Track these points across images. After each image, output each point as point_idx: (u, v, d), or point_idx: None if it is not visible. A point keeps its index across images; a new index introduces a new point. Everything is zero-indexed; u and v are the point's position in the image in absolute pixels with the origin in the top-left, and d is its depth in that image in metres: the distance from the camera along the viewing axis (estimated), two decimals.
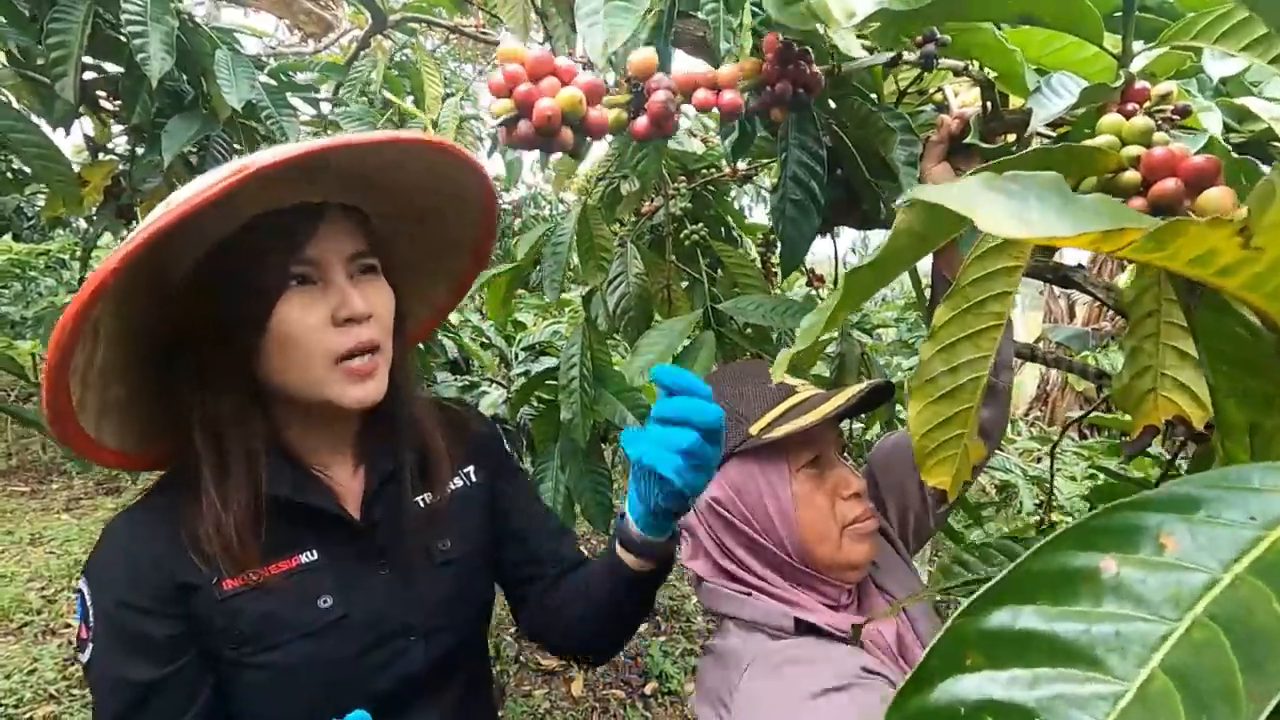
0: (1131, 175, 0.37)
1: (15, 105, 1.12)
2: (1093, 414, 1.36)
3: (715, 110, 0.47)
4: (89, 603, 0.62)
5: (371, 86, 1.54)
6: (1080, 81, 0.53)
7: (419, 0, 1.68)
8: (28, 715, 2.32)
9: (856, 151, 0.85)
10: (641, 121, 0.44)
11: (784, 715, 0.60)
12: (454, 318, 2.16)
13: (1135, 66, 0.52)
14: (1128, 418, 0.47)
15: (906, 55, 0.69)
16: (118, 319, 0.62)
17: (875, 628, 0.72)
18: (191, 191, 0.55)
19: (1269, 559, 0.18)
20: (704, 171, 1.34)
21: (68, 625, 2.83)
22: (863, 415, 1.60)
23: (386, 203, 0.72)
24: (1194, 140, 0.51)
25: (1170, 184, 0.34)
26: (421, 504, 0.72)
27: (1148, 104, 0.49)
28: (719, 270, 1.22)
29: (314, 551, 0.66)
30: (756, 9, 0.69)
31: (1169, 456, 0.83)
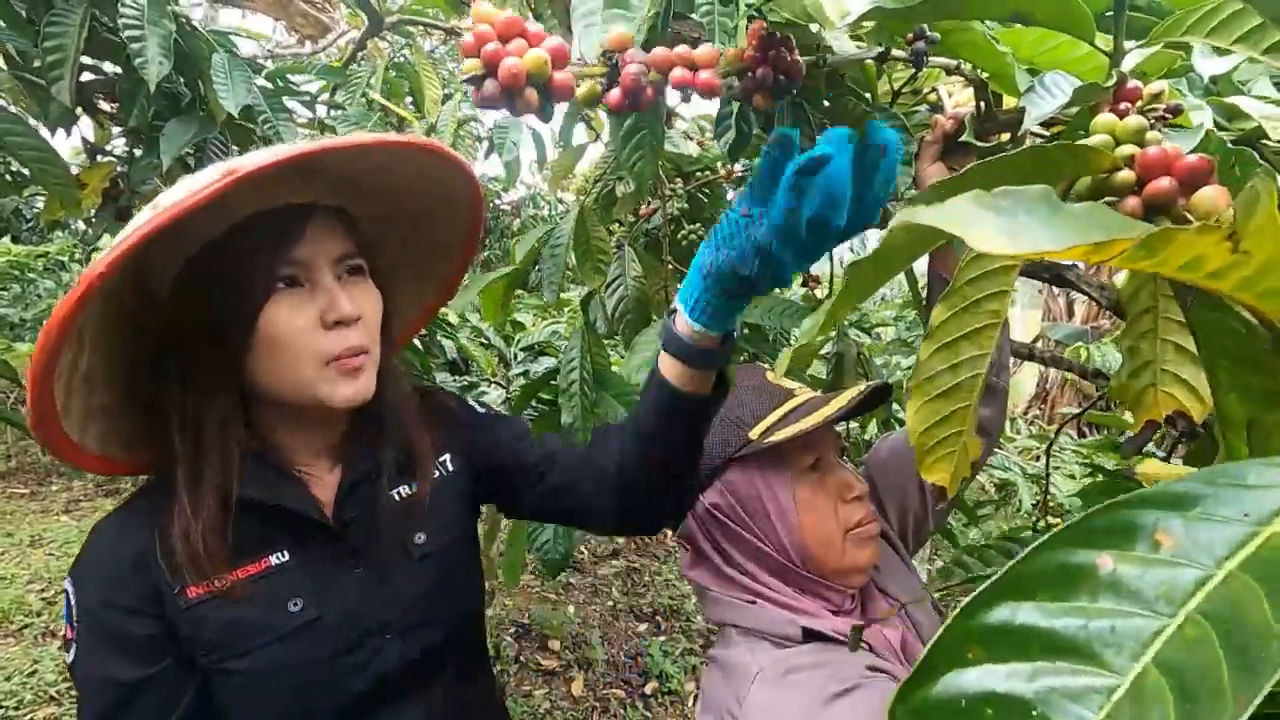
0: (1126, 174, 0.37)
1: (12, 108, 1.12)
2: (1090, 412, 1.36)
3: (692, 89, 0.46)
4: (73, 603, 0.62)
5: (371, 90, 1.54)
6: (1073, 80, 0.53)
7: (415, 2, 1.68)
8: (28, 717, 2.32)
9: None
10: (614, 94, 0.45)
11: None
12: (453, 318, 2.16)
13: (1127, 65, 0.52)
14: (1127, 416, 0.47)
15: (896, 52, 0.69)
16: (102, 322, 0.62)
17: (879, 630, 0.72)
18: (180, 194, 0.55)
19: (1261, 555, 0.19)
20: (700, 173, 1.34)
21: None
22: (859, 415, 1.60)
23: (375, 205, 0.72)
24: (1190, 135, 0.52)
25: (1164, 183, 0.35)
26: (398, 497, 0.72)
27: (1140, 103, 0.50)
28: None
29: (285, 552, 0.65)
30: (750, 8, 0.69)
31: (1164, 455, 0.83)
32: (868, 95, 0.78)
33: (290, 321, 0.62)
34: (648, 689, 2.66)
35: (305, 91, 1.60)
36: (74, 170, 1.24)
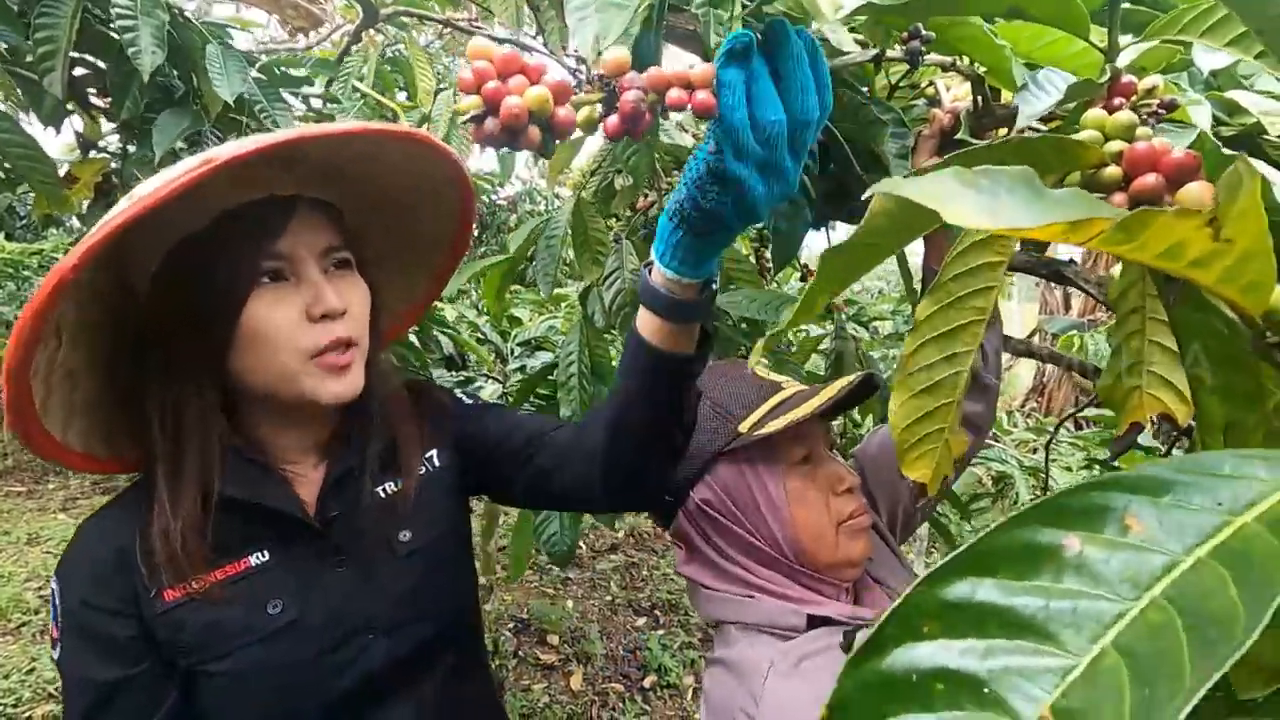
0: (1113, 170, 0.36)
1: (1, 105, 1.11)
2: (1088, 409, 1.36)
3: (688, 109, 0.46)
4: (58, 601, 0.62)
5: (360, 82, 1.53)
6: (1067, 77, 0.53)
7: None
8: (26, 715, 2.32)
9: (848, 145, 0.85)
10: (613, 120, 0.45)
11: (814, 713, 0.60)
12: (449, 313, 2.16)
13: (1124, 60, 0.52)
14: None
15: (891, 52, 0.69)
16: (83, 316, 0.61)
17: (878, 616, 0.73)
18: (157, 184, 0.53)
19: (1232, 545, 0.18)
20: None
21: None
22: (856, 410, 1.60)
23: (362, 196, 0.70)
24: (1183, 135, 0.51)
25: (1151, 179, 0.34)
26: (383, 494, 0.71)
27: (1135, 98, 0.50)
28: None
29: (265, 552, 0.65)
30: (746, 2, 0.69)
31: (1163, 451, 0.83)
32: (865, 89, 0.78)
33: (273, 316, 0.60)
34: (646, 683, 2.67)
35: (303, 79, 1.59)
36: (67, 166, 1.23)
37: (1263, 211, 0.21)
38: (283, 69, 1.42)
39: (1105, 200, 0.37)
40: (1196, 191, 0.32)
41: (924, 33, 0.67)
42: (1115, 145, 0.39)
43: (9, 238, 4.27)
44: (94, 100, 1.29)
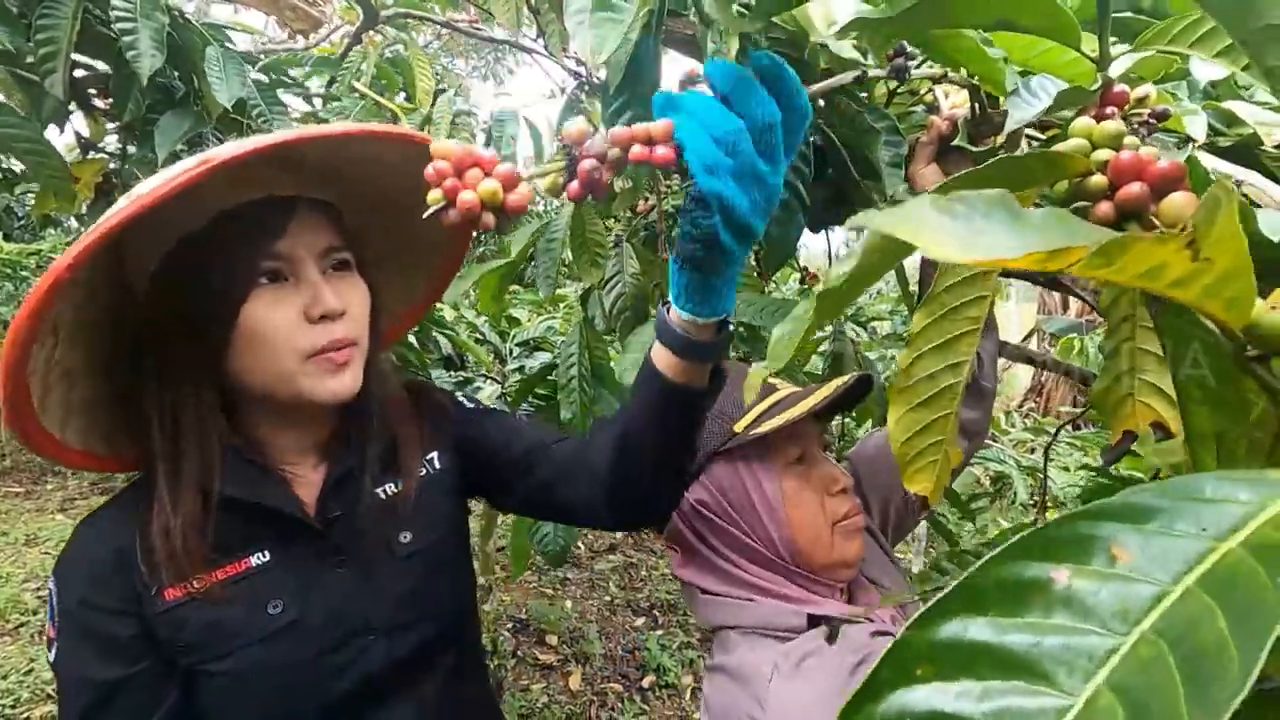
0: (1099, 179, 0.37)
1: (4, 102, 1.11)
2: (1086, 413, 1.37)
3: (650, 164, 0.50)
4: (55, 601, 0.62)
5: (362, 80, 1.53)
6: (1059, 84, 0.53)
7: None
8: (25, 715, 2.32)
9: (845, 151, 0.85)
10: (574, 186, 0.50)
11: (823, 711, 0.60)
12: (448, 314, 2.16)
13: (1119, 69, 0.53)
14: None
15: (876, 71, 0.70)
16: (80, 316, 0.61)
17: (874, 614, 0.73)
18: (155, 184, 0.53)
19: (1217, 573, 0.18)
20: None
21: None
22: (856, 413, 1.61)
23: (361, 197, 0.70)
24: (1175, 153, 0.52)
25: (1135, 188, 0.34)
26: (383, 495, 0.71)
27: (1126, 107, 0.50)
28: None
29: (266, 553, 0.65)
30: (743, 10, 0.69)
31: None
32: (862, 95, 0.78)
33: (272, 316, 0.60)
34: (645, 683, 2.68)
35: (301, 84, 1.59)
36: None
37: (1241, 232, 0.21)
38: (282, 71, 1.42)
39: (1090, 209, 0.37)
40: (1179, 202, 0.32)
41: (909, 49, 0.69)
42: (1102, 154, 0.39)
43: (7, 238, 4.27)
44: (95, 102, 1.29)
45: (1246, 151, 0.63)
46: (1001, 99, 0.71)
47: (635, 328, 1.15)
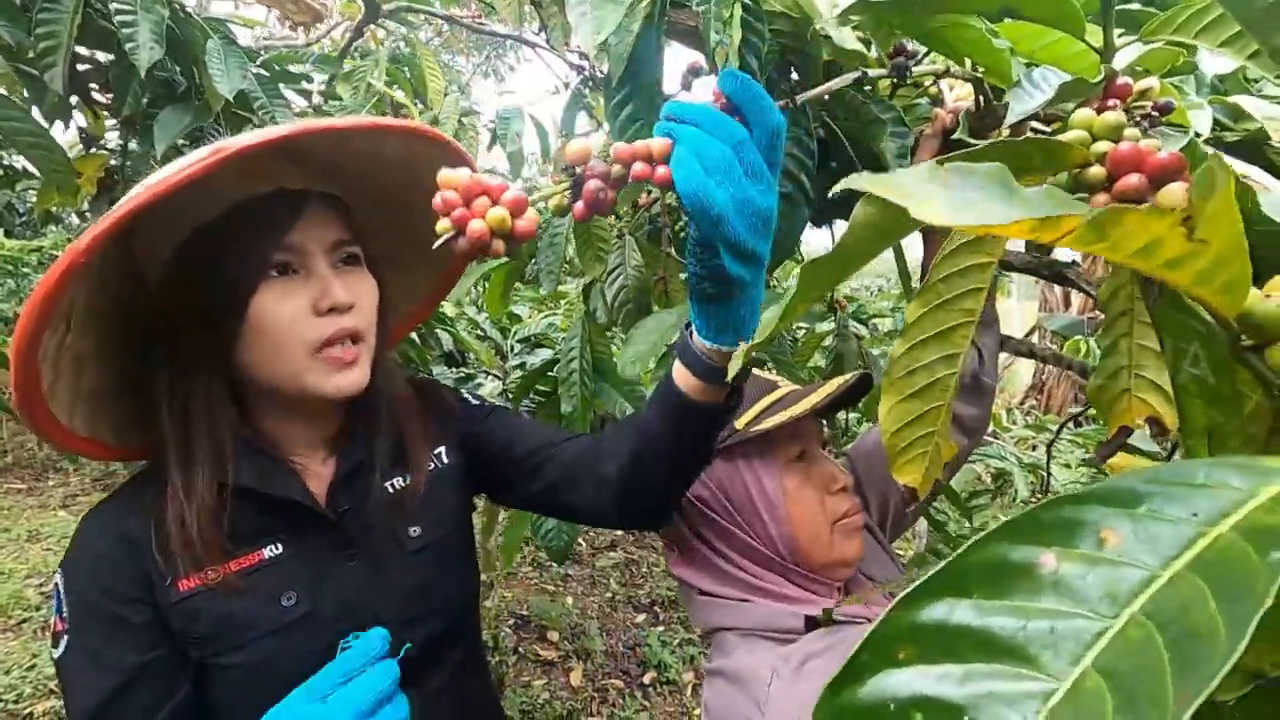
0: (1097, 170, 0.36)
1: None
2: (1088, 411, 1.36)
3: (650, 183, 0.52)
4: (64, 593, 0.62)
5: (375, 80, 1.53)
6: (1062, 76, 0.53)
7: None
8: (27, 710, 2.33)
9: (849, 143, 0.85)
10: (579, 206, 0.51)
11: None
12: (450, 310, 2.16)
13: (1124, 61, 0.52)
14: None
15: (876, 71, 0.69)
16: (93, 305, 0.61)
17: (871, 608, 0.73)
18: (168, 173, 0.54)
19: (1208, 557, 0.18)
20: None
21: None
22: (862, 407, 1.60)
23: (366, 193, 0.71)
24: (1175, 142, 0.51)
25: (1134, 179, 0.34)
26: (391, 489, 0.71)
27: (1129, 100, 0.50)
28: None
29: (279, 545, 0.65)
30: (748, 2, 0.69)
31: (1165, 455, 0.84)
32: (869, 88, 0.78)
33: (281, 309, 0.61)
34: (646, 679, 2.68)
35: (303, 76, 1.59)
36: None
37: (1237, 213, 0.21)
38: (283, 65, 1.42)
39: (1088, 200, 0.37)
40: (1176, 192, 0.32)
41: (910, 47, 0.68)
42: (1102, 146, 0.39)
43: (8, 234, 4.27)
44: (96, 96, 1.29)
45: (1253, 147, 0.63)
46: (1007, 92, 0.71)
47: (638, 320, 1.14)
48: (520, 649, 2.77)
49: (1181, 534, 0.19)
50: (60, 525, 3.60)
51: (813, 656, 0.65)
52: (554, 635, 2.87)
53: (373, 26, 1.65)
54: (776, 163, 0.52)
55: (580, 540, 3.71)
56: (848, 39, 0.72)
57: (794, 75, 0.77)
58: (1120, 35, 0.53)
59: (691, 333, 0.58)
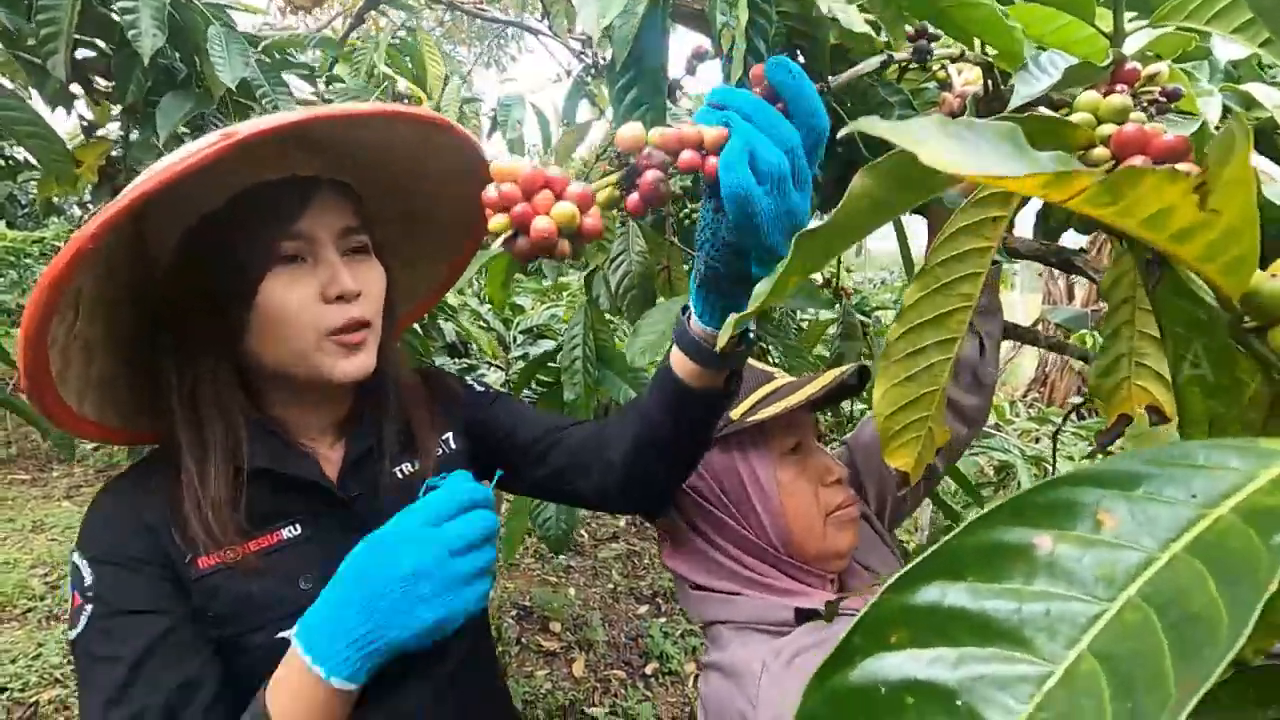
0: (1101, 152, 0.36)
1: (8, 84, 1.10)
2: (1090, 402, 1.36)
3: (700, 173, 0.47)
4: (83, 563, 0.60)
5: (375, 70, 1.52)
6: (1070, 60, 0.52)
7: None
8: (33, 699, 2.34)
9: None
10: (633, 198, 0.45)
11: None
12: (453, 300, 2.15)
13: (1134, 46, 0.51)
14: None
15: (898, 55, 0.68)
16: (101, 292, 0.61)
17: (866, 599, 0.73)
18: (177, 159, 0.54)
19: (1208, 539, 0.18)
20: None
21: None
22: (863, 399, 1.60)
23: (381, 181, 0.71)
24: (1183, 126, 0.51)
25: (1138, 162, 0.34)
26: (400, 474, 0.71)
27: (1136, 84, 0.49)
28: None
29: (298, 525, 0.65)
30: None
31: None
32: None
33: (289, 296, 0.61)
34: (648, 669, 2.69)
35: (305, 64, 1.58)
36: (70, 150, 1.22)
37: (1253, 181, 0.21)
38: (285, 51, 1.41)
39: None
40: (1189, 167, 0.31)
41: (931, 30, 0.67)
42: (1107, 129, 0.39)
43: (10, 226, 4.27)
44: (98, 84, 1.28)
45: (1263, 136, 0.62)
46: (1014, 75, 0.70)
47: (643, 308, 1.14)
48: (523, 640, 2.78)
49: (1180, 516, 0.18)
50: (64, 516, 3.61)
51: (804, 650, 0.65)
52: (556, 626, 2.88)
53: (374, 14, 1.64)
54: (815, 169, 0.50)
55: (582, 531, 3.72)
56: (856, 21, 0.71)
57: (800, 58, 0.76)
58: (1132, 19, 0.52)
59: (690, 318, 0.57)
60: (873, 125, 0.19)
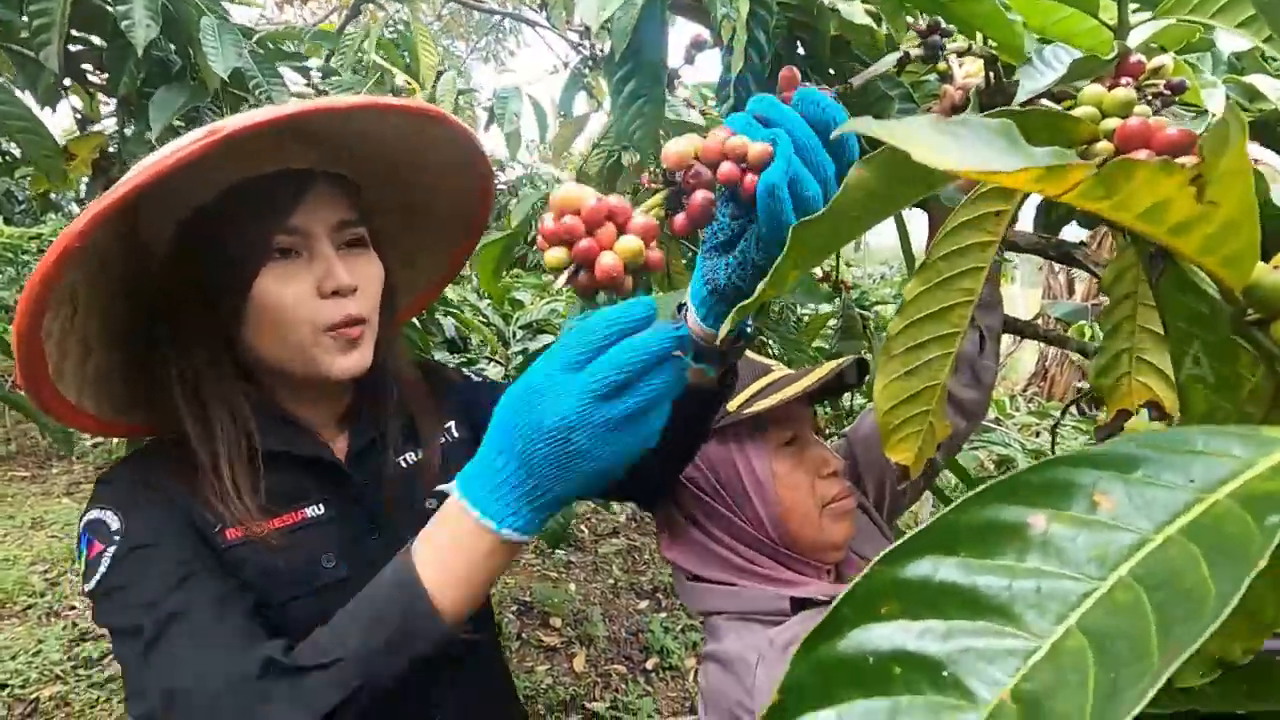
0: (1104, 145, 0.35)
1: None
2: (1091, 394, 1.35)
3: (739, 188, 0.44)
4: (108, 514, 0.58)
5: (364, 58, 1.51)
6: (1074, 53, 0.52)
7: None
8: (34, 695, 2.35)
9: None
10: (680, 219, 0.43)
11: None
12: (452, 295, 2.15)
13: (1138, 39, 0.51)
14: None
15: (913, 51, 0.68)
16: (95, 286, 0.61)
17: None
18: (165, 154, 0.53)
19: (1204, 523, 0.18)
20: None
21: (71, 607, 2.85)
22: (862, 392, 1.60)
23: (374, 175, 0.70)
24: (1196, 122, 0.50)
25: (1142, 156, 0.33)
26: (404, 464, 0.71)
27: (1141, 78, 0.48)
28: None
29: (321, 505, 0.65)
30: None
31: None
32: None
33: (284, 291, 0.60)
34: (649, 664, 2.70)
35: (299, 54, 1.57)
36: (64, 144, 1.22)
37: (1250, 172, 0.20)
38: (280, 43, 1.40)
39: None
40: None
41: (943, 25, 0.66)
42: (1111, 122, 0.38)
43: (7, 222, 4.26)
44: (91, 77, 1.27)
45: (1267, 129, 0.62)
46: (1018, 69, 0.69)
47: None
48: (523, 635, 2.79)
49: (1177, 499, 0.18)
50: (64, 513, 3.61)
51: (799, 639, 0.65)
52: (557, 621, 2.89)
53: (371, 7, 1.63)
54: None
55: (582, 526, 3.72)
56: (857, 13, 0.70)
57: (800, 50, 0.76)
58: (1135, 11, 0.51)
59: (688, 315, 0.56)
60: (866, 125, 0.19)
